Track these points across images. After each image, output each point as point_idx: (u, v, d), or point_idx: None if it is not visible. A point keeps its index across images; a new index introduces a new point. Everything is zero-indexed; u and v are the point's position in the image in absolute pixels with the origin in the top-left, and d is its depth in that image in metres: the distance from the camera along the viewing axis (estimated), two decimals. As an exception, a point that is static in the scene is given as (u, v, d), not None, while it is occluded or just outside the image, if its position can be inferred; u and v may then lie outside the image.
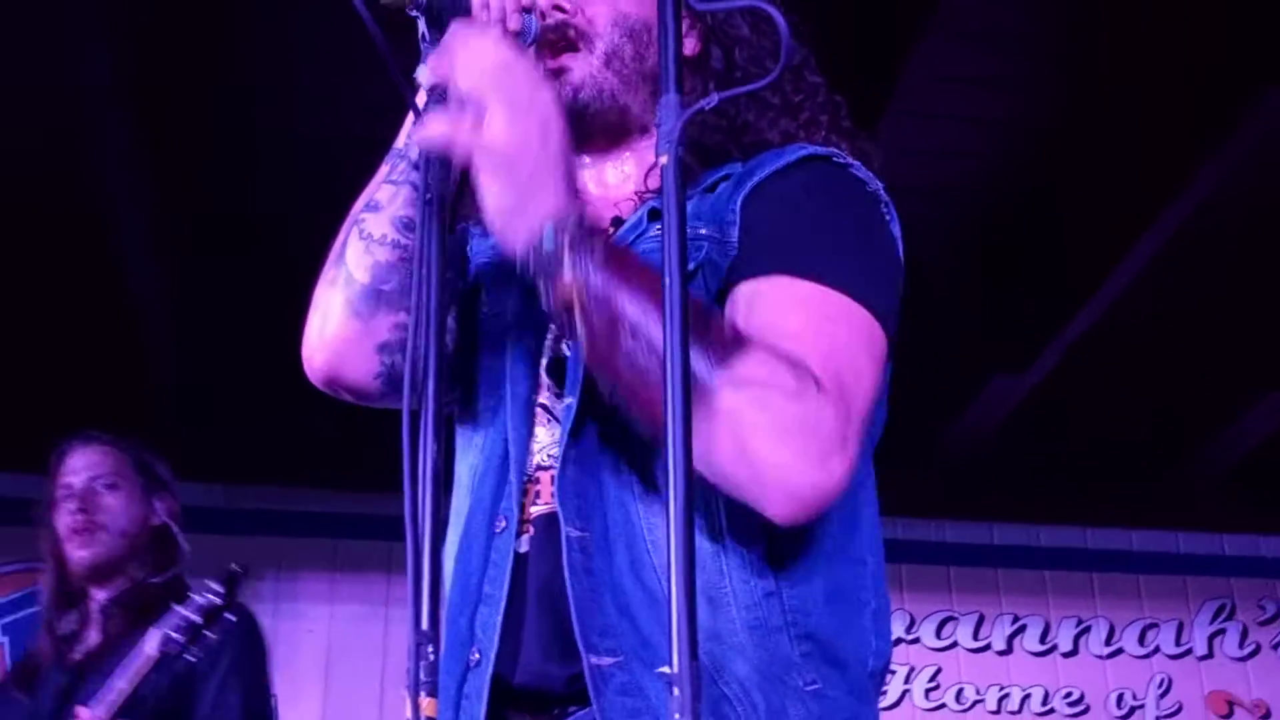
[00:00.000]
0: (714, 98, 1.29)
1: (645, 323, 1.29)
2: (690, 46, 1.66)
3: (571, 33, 1.58)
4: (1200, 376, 5.42)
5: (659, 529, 1.38)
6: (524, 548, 1.47)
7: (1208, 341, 5.25)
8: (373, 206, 1.55)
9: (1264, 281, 4.95)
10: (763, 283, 1.43)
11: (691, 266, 1.41)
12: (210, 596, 2.92)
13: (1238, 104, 3.87)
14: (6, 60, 3.85)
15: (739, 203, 1.50)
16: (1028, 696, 5.87)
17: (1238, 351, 5.28)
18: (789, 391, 1.30)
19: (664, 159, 1.19)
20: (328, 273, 1.57)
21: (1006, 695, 5.86)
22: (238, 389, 5.06)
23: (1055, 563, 6.08)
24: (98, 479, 3.20)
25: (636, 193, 1.58)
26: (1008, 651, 5.93)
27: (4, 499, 5.27)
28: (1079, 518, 6.05)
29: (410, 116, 1.48)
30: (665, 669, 1.03)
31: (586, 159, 1.61)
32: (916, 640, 5.86)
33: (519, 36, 1.47)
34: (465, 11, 1.40)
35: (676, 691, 1.01)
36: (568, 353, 1.51)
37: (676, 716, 1.01)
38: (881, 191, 1.56)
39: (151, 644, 2.88)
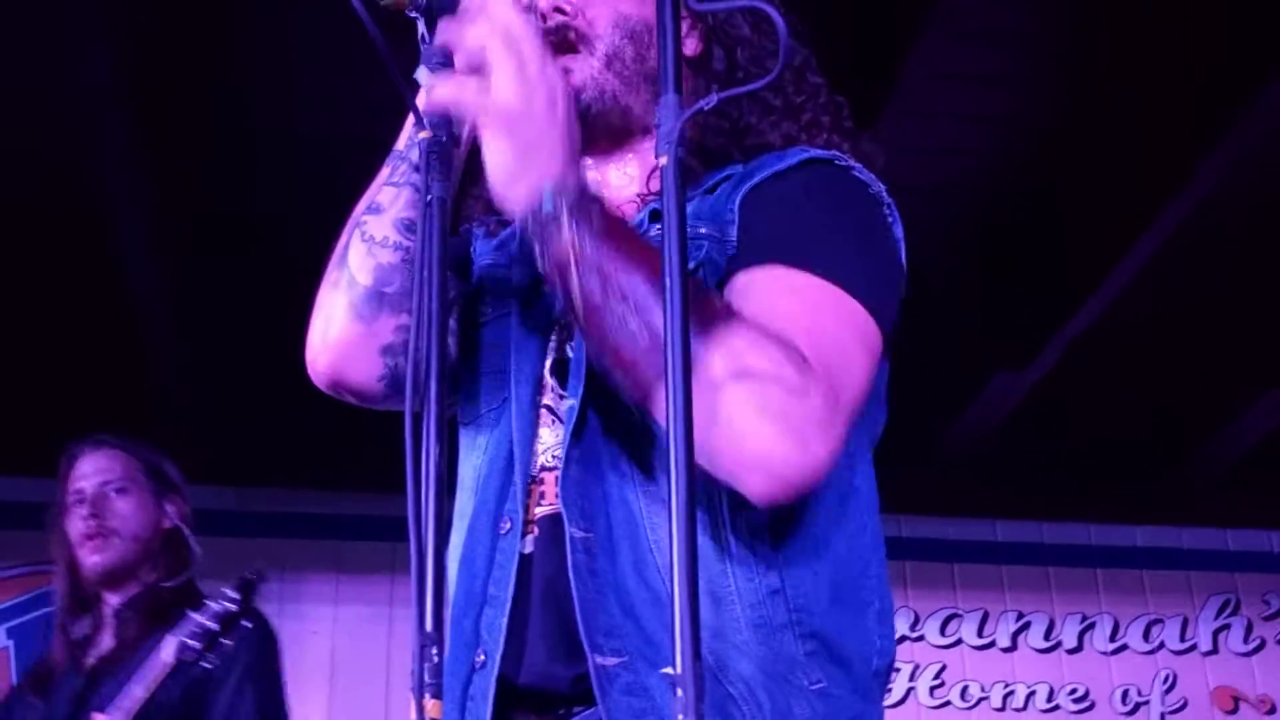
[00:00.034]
0: (713, 98, 1.29)
1: (637, 290, 1.30)
2: (691, 47, 1.66)
3: (572, 35, 1.58)
4: (1201, 373, 5.42)
5: (662, 528, 1.38)
6: (529, 549, 1.47)
7: (1209, 338, 5.25)
8: (374, 209, 1.55)
9: (1264, 279, 4.96)
10: (757, 272, 1.43)
11: (691, 265, 1.40)
12: (226, 603, 2.92)
13: (1237, 103, 3.87)
14: (6, 60, 3.85)
15: (737, 202, 1.50)
16: (1032, 693, 5.87)
17: (1239, 347, 5.28)
18: (775, 368, 1.30)
19: (663, 160, 1.19)
20: (330, 275, 1.57)
21: (1011, 692, 5.86)
22: (239, 390, 5.06)
23: (1059, 559, 6.07)
24: (109, 484, 3.20)
25: (639, 195, 1.58)
26: (1012, 648, 5.93)
27: (7, 503, 5.28)
28: (1082, 514, 6.05)
29: (410, 118, 1.48)
30: (669, 670, 1.03)
31: (589, 161, 1.60)
32: (921, 638, 5.86)
33: None
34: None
35: (680, 692, 1.01)
36: (571, 354, 1.51)
37: (680, 717, 1.01)
38: (884, 194, 1.56)
39: (168, 651, 2.88)
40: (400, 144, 1.58)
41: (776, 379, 1.29)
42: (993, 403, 5.28)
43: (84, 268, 4.56)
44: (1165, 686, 5.96)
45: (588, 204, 1.34)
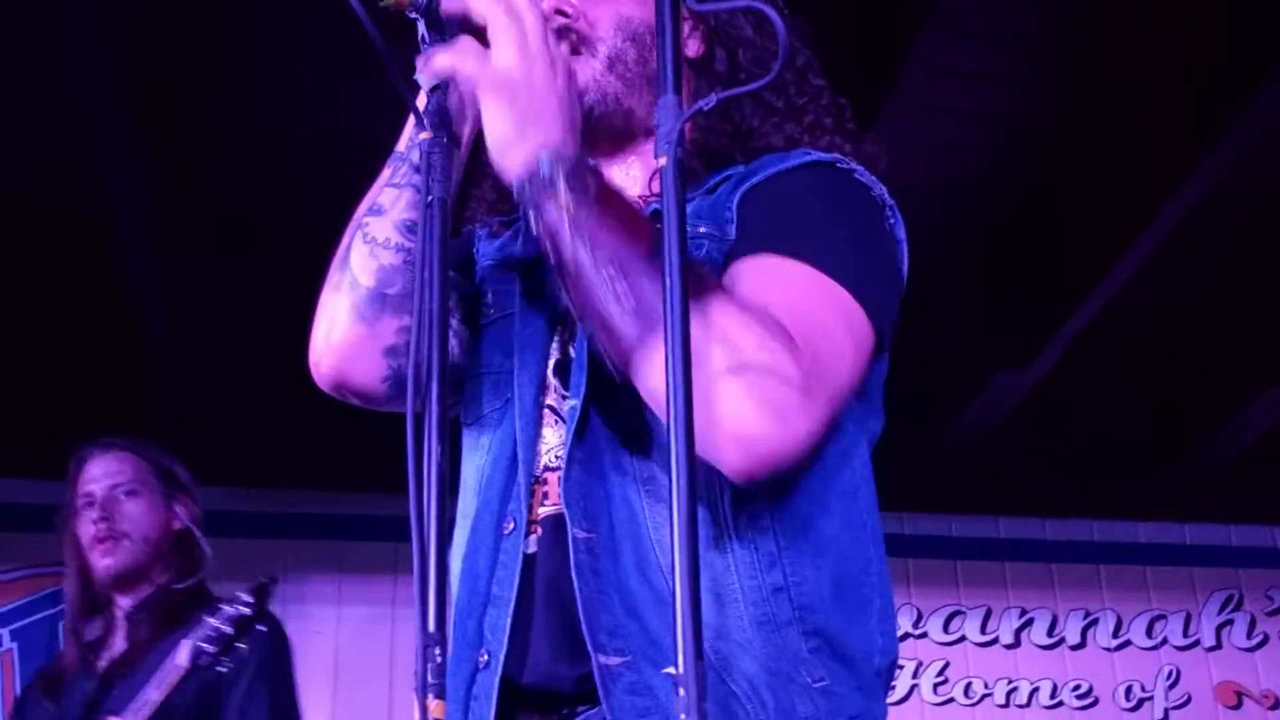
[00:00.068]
0: (712, 98, 1.29)
1: (625, 257, 1.31)
2: (694, 49, 1.66)
3: (574, 37, 1.58)
4: (1202, 369, 5.42)
5: (664, 528, 1.38)
6: (532, 549, 1.48)
7: (1209, 335, 5.25)
8: (376, 210, 1.55)
9: (1263, 277, 4.96)
10: (750, 260, 1.44)
11: None
12: (241, 607, 2.92)
13: (1237, 101, 3.86)
14: (6, 60, 3.84)
15: (736, 200, 1.51)
16: (1036, 689, 5.87)
17: (1239, 344, 5.28)
18: (758, 344, 1.30)
19: (662, 160, 1.19)
20: (332, 277, 1.57)
21: (1015, 688, 5.86)
22: (240, 391, 5.06)
23: (1062, 556, 6.07)
24: (118, 486, 3.20)
25: (641, 196, 1.58)
26: (1015, 645, 5.93)
27: (8, 505, 5.28)
28: (1085, 510, 6.05)
29: (411, 120, 1.48)
30: (671, 669, 1.03)
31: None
32: (924, 635, 5.86)
33: None
34: (465, 12, 1.40)
35: (682, 692, 1.01)
36: (574, 354, 1.51)
37: (682, 717, 1.01)
38: (886, 196, 1.56)
39: (183, 655, 2.88)
40: (401, 145, 1.57)
41: (759, 355, 1.29)
42: (994, 400, 5.28)
43: (84, 268, 4.56)
44: (1169, 682, 5.96)
45: (584, 171, 1.35)
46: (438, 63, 1.36)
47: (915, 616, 5.85)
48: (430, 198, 1.27)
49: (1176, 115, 4.04)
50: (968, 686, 5.84)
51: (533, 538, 1.48)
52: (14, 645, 5.25)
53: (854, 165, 1.56)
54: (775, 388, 1.29)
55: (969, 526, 6.02)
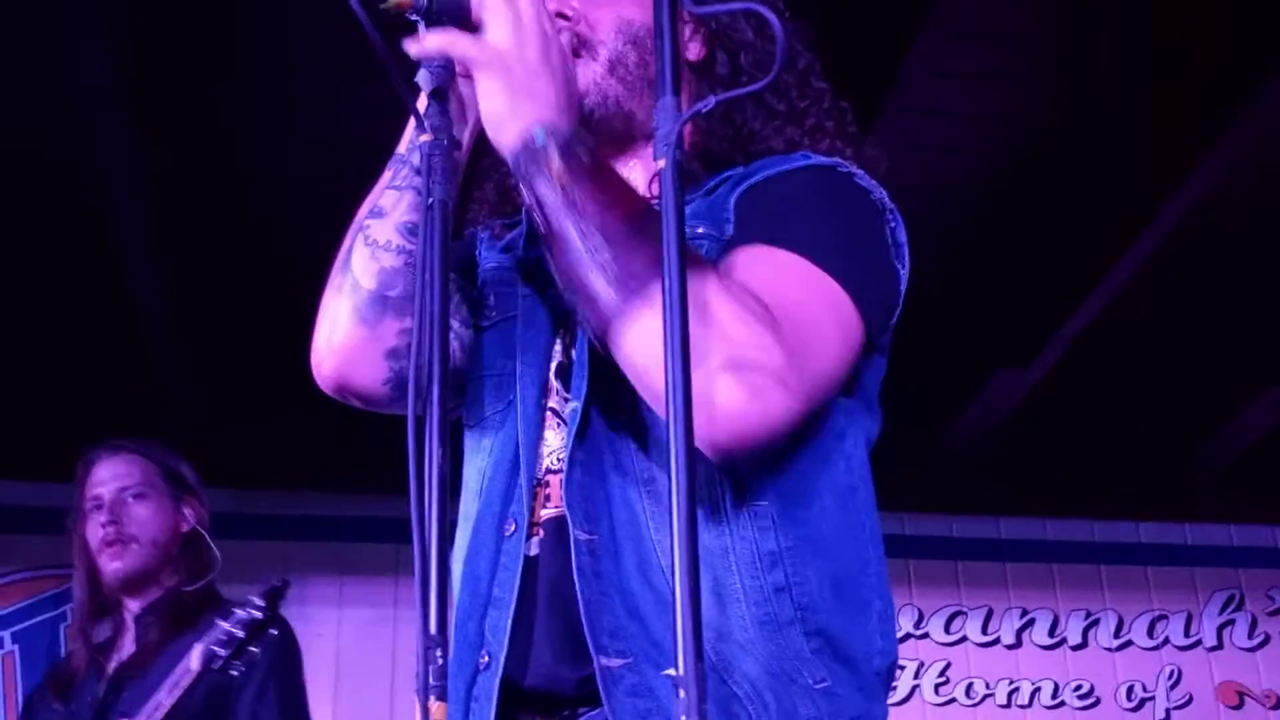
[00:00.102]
0: (710, 100, 1.30)
1: (611, 228, 1.32)
2: (695, 52, 1.67)
3: (574, 40, 1.58)
4: (1203, 369, 5.42)
5: (665, 529, 1.38)
6: (533, 551, 1.48)
7: (1209, 334, 5.25)
8: (377, 212, 1.55)
9: (1264, 277, 4.96)
10: (744, 249, 1.44)
11: None
12: (253, 611, 2.92)
13: (1237, 101, 3.86)
14: (6, 60, 3.84)
15: (734, 199, 1.52)
16: (1037, 690, 5.87)
17: (1240, 344, 5.28)
18: (739, 319, 1.30)
19: (661, 162, 1.19)
20: (334, 280, 1.57)
21: (1016, 689, 5.86)
22: (240, 392, 5.06)
23: (1063, 556, 6.07)
24: (126, 489, 3.20)
25: None
26: (1017, 645, 5.93)
27: (8, 507, 5.28)
28: (1086, 511, 6.05)
29: (412, 122, 1.48)
30: (670, 671, 1.03)
31: None
32: (925, 635, 5.86)
33: None
34: (465, 14, 1.41)
35: (683, 693, 1.02)
36: (575, 356, 1.51)
37: (683, 718, 1.01)
38: (886, 200, 1.56)
39: (195, 659, 2.87)
40: (402, 147, 1.58)
41: (738, 331, 1.30)
42: (995, 400, 5.28)
43: (84, 268, 4.55)
44: (1170, 682, 5.96)
45: (579, 144, 1.37)
46: (430, 41, 1.37)
47: (916, 617, 5.85)
48: (431, 200, 1.27)
49: (1176, 116, 4.04)
50: (969, 687, 5.84)
51: (534, 540, 1.48)
52: (15, 648, 5.25)
53: (854, 169, 1.57)
54: (753, 364, 1.29)
55: (970, 527, 6.02)
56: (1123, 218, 4.37)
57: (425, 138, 1.32)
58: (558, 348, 1.56)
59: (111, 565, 3.13)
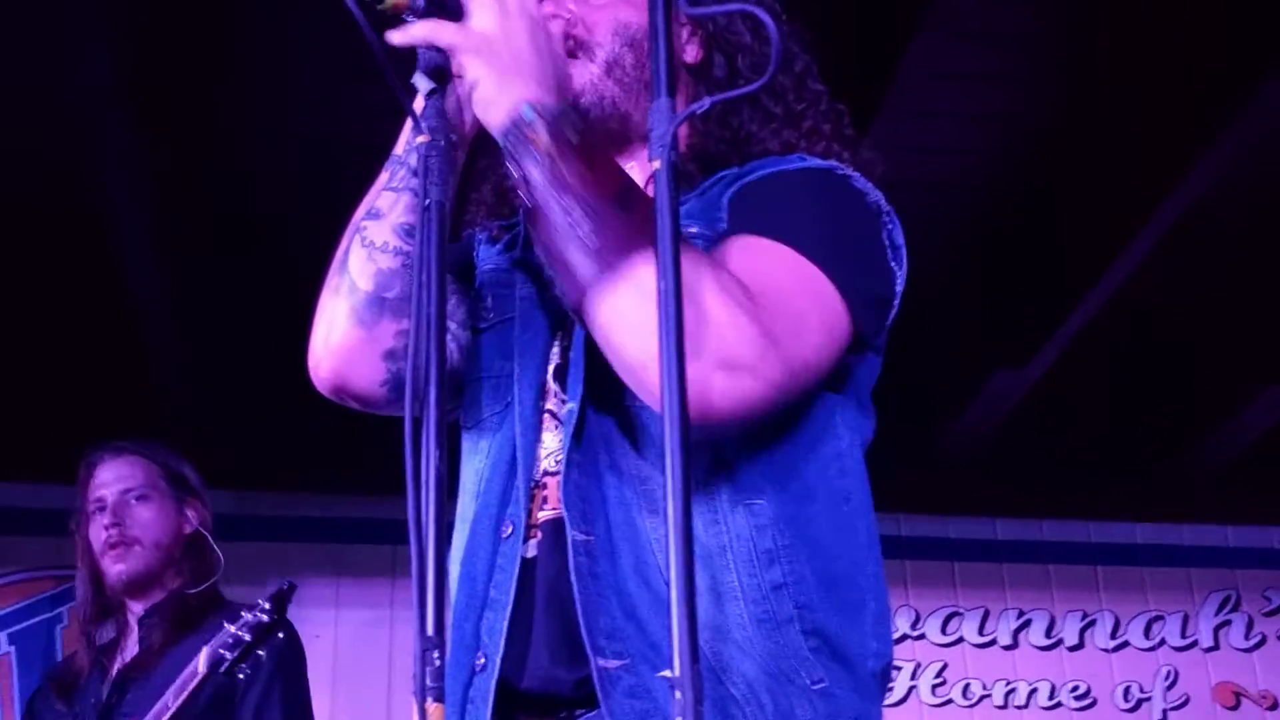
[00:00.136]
0: (705, 102, 1.31)
1: (592, 202, 1.32)
2: (692, 54, 1.67)
3: (570, 42, 1.59)
4: (1200, 370, 5.42)
5: (661, 529, 1.38)
6: (531, 553, 1.48)
7: (1208, 335, 5.25)
8: (374, 214, 1.56)
9: (1262, 277, 4.95)
10: (734, 239, 1.45)
11: None
12: (260, 615, 2.91)
13: (1236, 100, 3.86)
14: (6, 60, 3.84)
15: (728, 198, 1.52)
16: (1034, 691, 5.87)
17: (1238, 344, 5.28)
18: (716, 295, 1.30)
19: (656, 164, 1.19)
20: (331, 281, 1.58)
21: (1013, 690, 5.86)
22: (239, 393, 5.05)
23: (1059, 556, 6.06)
24: (130, 491, 3.20)
25: None
26: (1013, 646, 5.93)
27: (6, 509, 5.27)
28: (1082, 511, 6.04)
29: (409, 123, 1.49)
30: (667, 673, 1.03)
31: None
32: (922, 636, 5.85)
33: None
34: (457, 10, 1.41)
35: (678, 694, 1.02)
36: (572, 357, 1.51)
37: (679, 719, 1.01)
38: (883, 203, 1.57)
39: (202, 661, 2.87)
40: (399, 149, 1.58)
41: (714, 308, 1.30)
42: (992, 401, 5.28)
43: (83, 268, 4.55)
44: (1167, 683, 5.96)
45: (567, 121, 1.37)
46: (415, 31, 1.37)
47: (913, 618, 5.85)
48: (428, 201, 1.28)
49: (1175, 115, 4.04)
50: (966, 688, 5.84)
51: (532, 542, 1.48)
52: (12, 649, 5.24)
53: (851, 171, 1.57)
54: (727, 340, 1.30)
55: (966, 528, 6.01)
56: (1121, 218, 4.37)
57: (422, 139, 1.33)
58: (555, 350, 1.56)
59: (115, 568, 3.13)
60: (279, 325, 2.51)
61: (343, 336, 1.55)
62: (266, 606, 2.93)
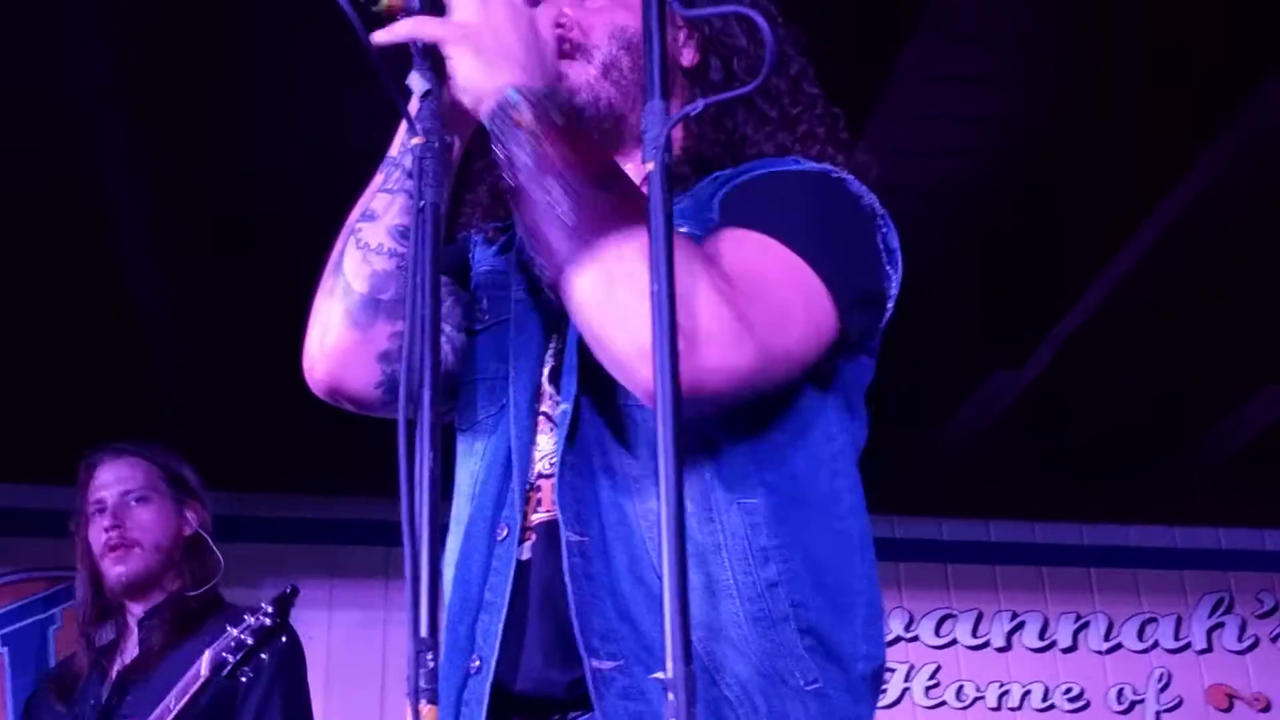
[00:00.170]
0: (699, 104, 1.32)
1: (573, 181, 1.33)
2: (689, 58, 1.68)
3: (567, 45, 1.60)
4: (1196, 371, 5.42)
5: (655, 527, 1.39)
6: (525, 555, 1.48)
7: (1203, 337, 5.25)
8: (369, 216, 1.56)
9: (1257, 278, 4.96)
10: (722, 232, 1.46)
11: None
12: (263, 618, 2.91)
13: (1234, 100, 3.86)
14: (6, 60, 3.85)
15: (720, 197, 1.52)
16: (1028, 693, 5.87)
17: (1233, 346, 5.28)
18: (693, 274, 1.31)
19: (650, 166, 1.20)
20: (326, 283, 1.58)
21: (1006, 692, 5.86)
22: (235, 394, 5.04)
23: (1053, 559, 6.07)
24: (130, 493, 3.18)
25: None
26: (1007, 648, 5.93)
27: (2, 510, 5.27)
28: (1076, 514, 6.04)
29: (404, 125, 1.49)
30: (660, 674, 1.04)
31: None
32: (916, 638, 5.86)
33: None
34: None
35: (672, 696, 1.02)
36: (565, 358, 1.52)
37: (671, 721, 1.02)
38: (877, 206, 1.57)
39: (204, 664, 2.87)
40: (394, 150, 1.58)
41: (687, 284, 1.29)
42: (986, 403, 5.28)
43: (82, 268, 4.55)
44: (1160, 685, 5.96)
45: (552, 105, 1.39)
46: (399, 28, 1.38)
47: (907, 620, 5.85)
48: (422, 202, 1.28)
49: (1172, 116, 4.03)
50: (959, 690, 5.84)
51: (526, 544, 1.49)
52: (4, 650, 5.23)
53: (845, 175, 1.57)
54: (696, 319, 1.30)
55: (960, 529, 6.02)
56: (1117, 219, 4.37)
57: (416, 141, 1.34)
58: (550, 352, 1.56)
59: (115, 570, 3.12)
60: (276, 326, 2.52)
61: (337, 338, 1.55)
62: (269, 610, 2.93)
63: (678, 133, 1.61)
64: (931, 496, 5.75)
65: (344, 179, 1.72)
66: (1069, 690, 5.90)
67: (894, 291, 1.57)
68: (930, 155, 4.35)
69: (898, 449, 5.18)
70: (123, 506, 3.17)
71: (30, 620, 5.23)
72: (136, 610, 3.15)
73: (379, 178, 1.58)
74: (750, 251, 1.41)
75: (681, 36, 1.69)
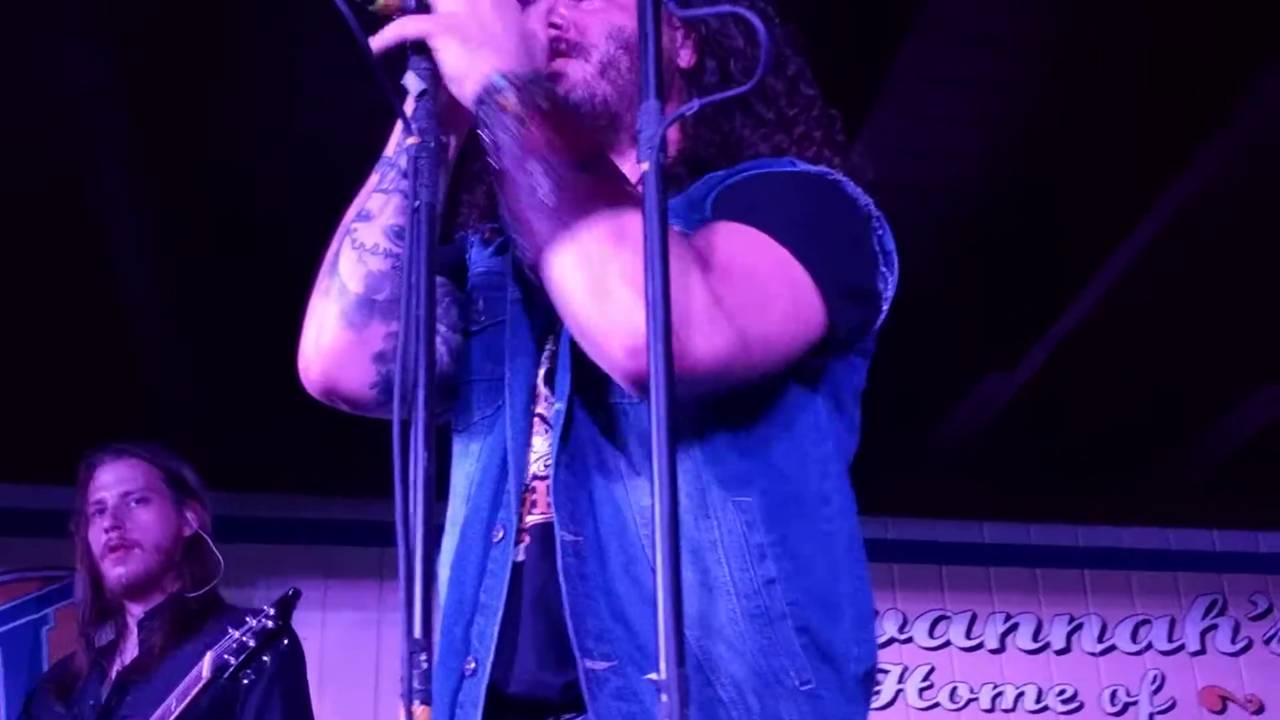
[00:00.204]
0: (694, 104, 1.32)
1: (557, 166, 1.34)
2: (686, 59, 1.68)
3: (564, 45, 1.60)
4: (1190, 373, 5.42)
5: (650, 526, 1.38)
6: (521, 557, 1.48)
7: (1198, 339, 5.26)
8: (364, 216, 1.56)
9: (1252, 279, 4.96)
10: (711, 224, 1.46)
11: None
12: (266, 621, 2.91)
13: (1229, 101, 3.86)
14: (5, 60, 3.84)
15: (713, 198, 1.52)
16: (1021, 694, 5.87)
17: (1227, 348, 5.29)
18: (675, 258, 1.27)
19: (645, 165, 1.20)
20: (321, 283, 1.58)
21: (1000, 693, 5.86)
22: (229, 394, 5.04)
23: (1047, 560, 6.07)
24: (130, 494, 3.18)
25: None
26: (1001, 650, 5.93)
27: (-6, 510, 5.27)
28: (1070, 515, 6.05)
29: (400, 125, 1.49)
30: (653, 675, 1.04)
31: None
32: (909, 639, 5.86)
33: None
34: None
35: (665, 697, 1.02)
36: (559, 357, 1.52)
37: (664, 722, 1.02)
38: (873, 208, 1.56)
39: (206, 666, 2.86)
40: (389, 150, 1.58)
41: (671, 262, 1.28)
42: (980, 404, 5.28)
43: (79, 268, 4.55)
44: (1153, 687, 5.97)
45: (537, 89, 1.39)
46: (388, 34, 1.39)
47: (901, 621, 5.85)
48: (417, 202, 1.28)
49: (1167, 118, 4.03)
50: (953, 691, 5.85)
51: (522, 546, 1.48)
52: (-1, 650, 5.24)
53: (841, 177, 1.57)
54: (674, 301, 1.28)
55: (954, 531, 6.02)
56: (1111, 221, 4.37)
57: (412, 140, 1.34)
58: (546, 354, 1.56)
59: (115, 571, 3.12)
60: (271, 326, 2.52)
61: (333, 339, 1.55)
62: (271, 612, 2.93)
63: (674, 134, 1.61)
64: (926, 498, 5.75)
65: (341, 178, 1.72)
66: (1062, 692, 5.91)
67: (889, 293, 1.57)
68: (926, 156, 4.35)
69: (893, 450, 5.18)
70: (123, 507, 3.16)
71: (23, 620, 5.22)
72: (136, 611, 3.15)
73: (374, 178, 1.58)
74: (737, 243, 1.41)
75: (679, 38, 1.69)
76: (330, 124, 4.00)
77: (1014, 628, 5.98)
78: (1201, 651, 6.07)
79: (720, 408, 1.45)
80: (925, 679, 5.84)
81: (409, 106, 1.38)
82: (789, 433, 1.49)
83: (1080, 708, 5.89)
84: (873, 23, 3.80)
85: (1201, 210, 4.29)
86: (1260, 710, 5.99)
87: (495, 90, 1.37)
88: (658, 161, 1.20)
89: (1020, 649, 5.95)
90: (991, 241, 4.78)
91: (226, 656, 2.86)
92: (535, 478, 1.51)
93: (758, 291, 1.39)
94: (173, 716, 2.85)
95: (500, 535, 1.49)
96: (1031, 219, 4.62)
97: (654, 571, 1.32)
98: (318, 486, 5.40)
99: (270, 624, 2.91)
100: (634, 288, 1.24)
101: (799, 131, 1.65)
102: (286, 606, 2.95)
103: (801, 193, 1.53)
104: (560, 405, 1.48)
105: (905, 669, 5.82)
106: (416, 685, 1.07)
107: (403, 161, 1.51)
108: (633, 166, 1.57)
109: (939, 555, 5.97)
